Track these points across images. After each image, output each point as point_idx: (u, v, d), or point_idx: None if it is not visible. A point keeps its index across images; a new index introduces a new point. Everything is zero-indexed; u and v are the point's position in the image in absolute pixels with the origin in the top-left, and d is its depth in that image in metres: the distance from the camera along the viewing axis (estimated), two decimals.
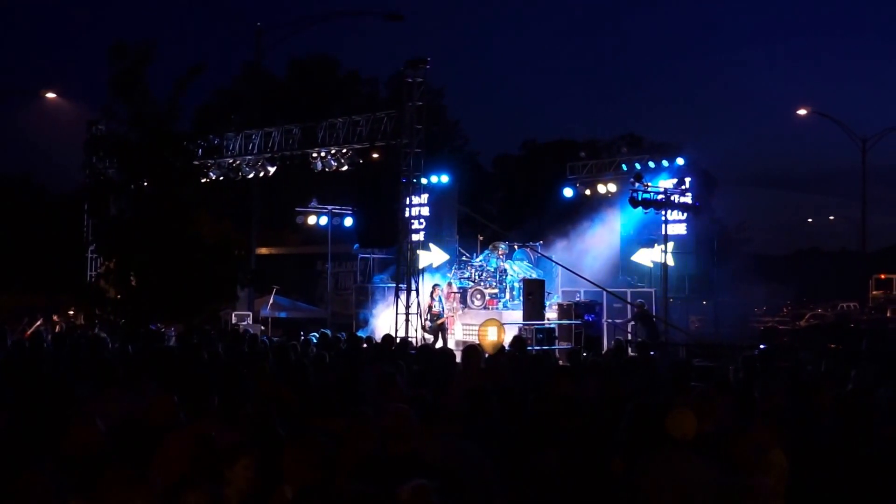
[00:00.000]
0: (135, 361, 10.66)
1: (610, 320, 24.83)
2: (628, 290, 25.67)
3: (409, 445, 6.09)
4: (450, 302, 25.68)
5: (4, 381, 9.88)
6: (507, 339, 20.62)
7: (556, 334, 23.15)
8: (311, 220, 32.09)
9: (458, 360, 12.30)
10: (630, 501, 6.04)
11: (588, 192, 29.15)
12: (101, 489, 4.96)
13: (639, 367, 12.73)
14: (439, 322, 23.88)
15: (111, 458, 6.02)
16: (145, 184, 20.87)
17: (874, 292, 47.30)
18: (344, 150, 25.13)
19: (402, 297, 22.86)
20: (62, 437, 6.15)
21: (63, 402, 8.20)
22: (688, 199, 25.85)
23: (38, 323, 25.79)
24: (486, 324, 22.58)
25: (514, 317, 24.09)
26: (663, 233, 24.97)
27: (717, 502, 5.86)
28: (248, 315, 28.65)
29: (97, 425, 6.21)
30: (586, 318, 23.66)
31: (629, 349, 21.20)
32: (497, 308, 25.70)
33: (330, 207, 31.61)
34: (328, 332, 19.42)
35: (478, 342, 20.16)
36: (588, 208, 28.99)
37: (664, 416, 6.34)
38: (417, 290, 23.08)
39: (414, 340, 21.45)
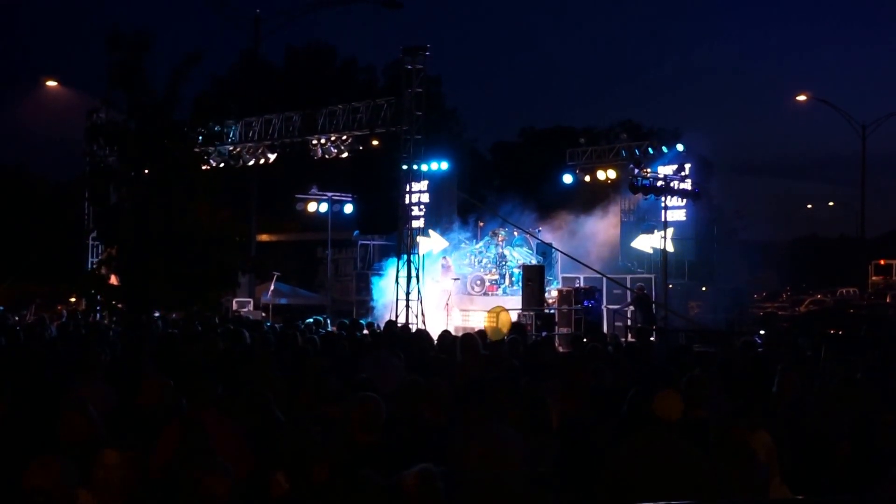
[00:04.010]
0: (136, 348, 10.70)
1: (609, 306, 24.89)
2: (628, 276, 25.73)
3: (375, 436, 6.14)
4: (446, 277, 25.85)
5: (5, 370, 9.91)
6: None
7: (556, 320, 23.21)
8: (311, 206, 32.11)
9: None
10: (614, 479, 6.07)
11: (587, 178, 29.18)
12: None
13: (638, 353, 12.78)
14: None
15: (105, 444, 6.06)
16: (145, 171, 20.86)
17: (873, 278, 47.36)
18: (344, 137, 25.16)
19: (403, 283, 22.91)
20: (57, 425, 6.19)
21: (63, 391, 8.25)
22: (687, 185, 25.90)
23: (35, 306, 25.97)
24: (494, 310, 22.62)
25: (514, 303, 24.14)
26: (663, 219, 25.01)
27: (701, 483, 5.89)
28: (249, 302, 28.71)
29: (89, 411, 6.24)
30: (586, 303, 23.71)
31: (628, 335, 21.35)
32: (497, 294, 25.76)
33: (330, 194, 31.62)
34: (321, 318, 19.51)
35: (480, 328, 20.19)
36: (587, 194, 29.02)
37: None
38: (418, 277, 23.11)
39: (413, 327, 21.48)
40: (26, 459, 4.90)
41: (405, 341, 13.56)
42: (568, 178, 29.71)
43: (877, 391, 8.99)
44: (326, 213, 31.67)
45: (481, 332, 16.06)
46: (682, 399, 6.63)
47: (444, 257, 26.87)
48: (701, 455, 6.08)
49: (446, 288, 25.57)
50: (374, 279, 28.05)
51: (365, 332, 16.29)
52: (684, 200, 26.74)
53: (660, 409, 6.20)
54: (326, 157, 25.90)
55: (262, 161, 27.66)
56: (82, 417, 6.18)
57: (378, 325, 18.54)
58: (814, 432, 7.72)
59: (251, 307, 28.23)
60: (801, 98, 45.50)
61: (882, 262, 48.40)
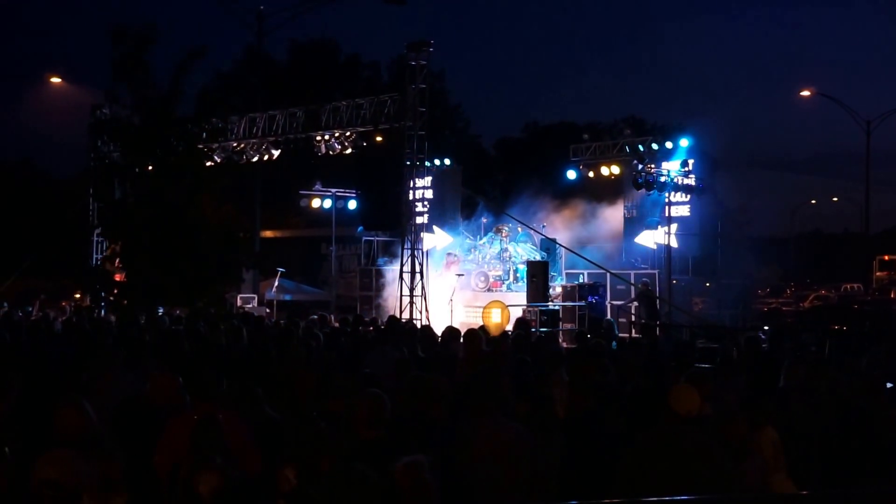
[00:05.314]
0: (141, 344, 10.72)
1: (613, 302, 24.85)
2: (632, 272, 25.68)
3: (379, 432, 6.16)
4: (449, 273, 25.82)
5: (14, 366, 9.95)
6: (510, 321, 20.64)
7: (560, 316, 23.19)
8: (315, 203, 32.15)
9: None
10: (630, 475, 6.07)
11: (591, 174, 29.13)
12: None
13: (642, 348, 12.79)
14: None
15: (101, 441, 6.06)
16: (149, 167, 20.88)
17: (878, 273, 47.33)
18: (347, 133, 25.17)
19: (407, 279, 22.92)
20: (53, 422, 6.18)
21: (69, 386, 8.26)
22: (691, 180, 25.87)
23: (39, 302, 26.06)
24: (489, 305, 22.64)
25: (518, 299, 24.13)
26: (667, 215, 24.98)
27: (719, 479, 5.90)
28: (254, 298, 28.76)
29: (84, 408, 6.23)
30: (590, 299, 23.69)
31: (632, 330, 21.33)
32: (501, 290, 25.75)
33: (334, 190, 31.67)
34: (326, 314, 19.57)
35: (481, 324, 20.20)
36: (591, 190, 28.99)
37: (665, 394, 6.37)
38: (422, 273, 23.12)
39: (418, 323, 21.50)
40: (33, 455, 4.91)
41: (409, 337, 13.58)
42: (572, 174, 29.67)
43: (881, 387, 9.00)
44: (330, 209, 31.72)
45: (483, 328, 16.08)
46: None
47: (451, 253, 26.85)
48: (721, 450, 6.08)
49: (450, 284, 25.58)
50: (386, 266, 27.98)
51: (370, 328, 16.31)
52: (688, 196, 26.70)
53: (676, 404, 6.18)
54: (330, 153, 25.91)
55: (265, 157, 27.68)
56: (78, 415, 6.18)
57: (381, 321, 18.55)
58: (812, 425, 7.75)
59: (255, 303, 28.27)
60: (805, 94, 45.46)
61: (886, 257, 48.39)
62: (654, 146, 26.68)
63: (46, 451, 4.88)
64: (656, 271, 25.58)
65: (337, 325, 18.82)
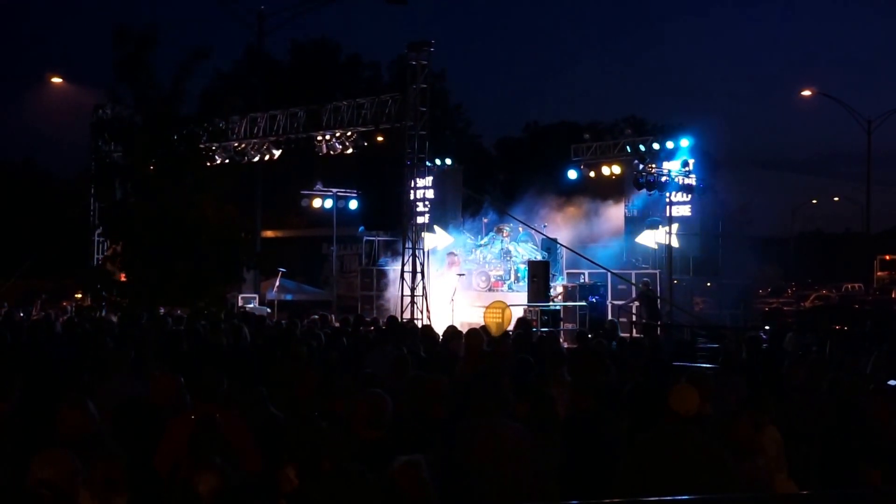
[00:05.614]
0: (142, 344, 10.73)
1: (614, 302, 24.86)
2: (633, 272, 25.67)
3: (379, 432, 6.17)
4: (450, 272, 25.80)
5: (15, 366, 9.94)
6: (512, 321, 20.64)
7: (561, 316, 23.20)
8: (316, 203, 32.14)
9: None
10: (632, 475, 6.08)
11: (592, 174, 29.12)
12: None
13: (643, 348, 12.79)
14: None
15: (103, 441, 6.07)
16: (150, 167, 20.88)
17: (879, 273, 47.33)
18: (349, 133, 25.18)
19: (408, 279, 22.92)
20: (56, 422, 6.19)
21: (71, 387, 8.26)
22: (692, 180, 25.86)
23: (40, 302, 26.07)
24: (491, 305, 22.64)
25: (519, 298, 24.13)
26: (668, 214, 24.97)
27: (721, 479, 5.91)
28: (255, 298, 28.75)
29: (87, 408, 6.23)
30: (590, 299, 23.70)
31: (633, 330, 21.35)
32: (502, 290, 25.75)
33: (335, 190, 31.66)
34: (327, 314, 19.59)
35: (482, 324, 20.20)
36: (592, 190, 28.98)
37: (665, 394, 6.37)
38: (423, 273, 23.12)
39: (419, 322, 21.49)
40: (34, 455, 4.92)
41: (410, 336, 13.60)
42: (573, 174, 29.67)
43: (881, 387, 9.01)
44: (331, 209, 31.70)
45: (484, 328, 16.08)
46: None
47: (452, 253, 26.85)
48: (722, 450, 6.08)
49: (451, 284, 25.58)
50: (387, 266, 27.96)
51: (370, 328, 16.31)
52: (689, 196, 26.68)
53: (676, 404, 6.18)
54: (331, 153, 25.92)
55: (266, 157, 27.69)
56: (81, 415, 6.18)
57: (382, 321, 18.55)
58: (812, 425, 7.76)
59: (256, 303, 28.27)
60: (806, 93, 45.48)
61: (887, 257, 48.40)
62: (655, 146, 26.65)
63: (43, 451, 4.89)
64: (657, 271, 25.58)
65: (338, 325, 18.82)
